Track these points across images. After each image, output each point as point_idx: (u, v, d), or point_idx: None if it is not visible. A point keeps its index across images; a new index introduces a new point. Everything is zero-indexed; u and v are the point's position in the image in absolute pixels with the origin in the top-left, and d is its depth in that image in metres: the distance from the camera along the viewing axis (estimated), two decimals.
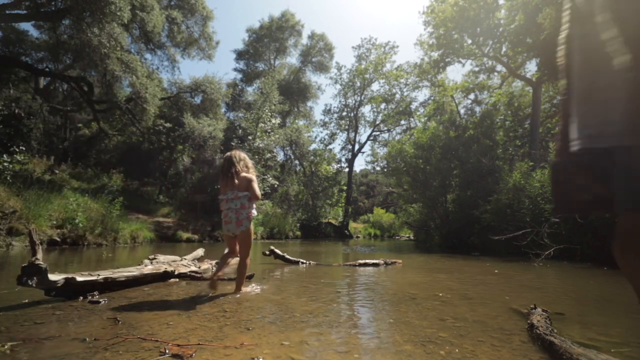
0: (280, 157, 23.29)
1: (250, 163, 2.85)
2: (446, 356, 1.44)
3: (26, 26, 15.90)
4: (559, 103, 1.08)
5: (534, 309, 2.05)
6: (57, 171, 13.64)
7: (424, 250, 9.93)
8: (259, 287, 2.97)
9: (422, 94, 28.98)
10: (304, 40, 28.14)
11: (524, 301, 2.59)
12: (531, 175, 8.03)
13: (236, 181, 2.66)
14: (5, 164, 7.53)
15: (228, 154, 2.83)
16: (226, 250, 2.90)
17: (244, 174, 2.70)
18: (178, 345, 1.47)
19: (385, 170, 26.86)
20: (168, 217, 14.13)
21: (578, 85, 0.94)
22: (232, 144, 15.67)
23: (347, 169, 27.72)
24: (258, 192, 2.70)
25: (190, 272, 3.57)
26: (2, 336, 1.59)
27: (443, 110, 15.05)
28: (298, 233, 18.54)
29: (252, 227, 2.73)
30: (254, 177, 2.71)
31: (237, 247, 2.77)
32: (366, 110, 56.92)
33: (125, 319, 1.89)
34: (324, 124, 28.34)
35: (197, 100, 18.60)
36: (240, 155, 2.81)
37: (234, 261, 4.53)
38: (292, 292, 2.88)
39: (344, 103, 27.84)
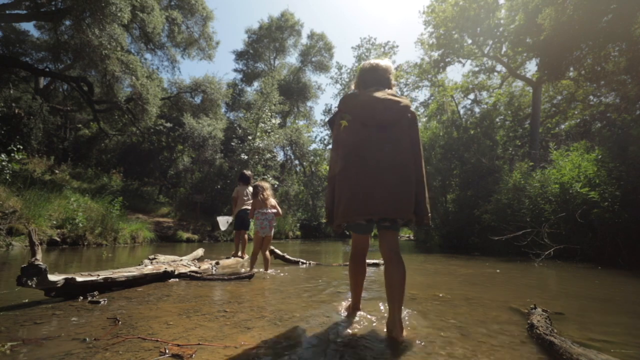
0: (280, 157, 23.29)
1: (272, 191, 4.36)
2: (446, 356, 1.44)
3: (26, 26, 15.93)
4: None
5: (534, 309, 2.05)
6: (57, 171, 13.64)
7: (424, 250, 9.93)
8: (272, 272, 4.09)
9: (422, 94, 29.01)
10: (304, 40, 28.19)
11: (524, 301, 2.59)
12: (531, 175, 8.03)
13: (267, 203, 4.12)
14: (4, 163, 7.53)
15: (257, 184, 4.23)
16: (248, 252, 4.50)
17: (271, 198, 4.20)
18: (178, 345, 1.47)
19: None
20: (168, 217, 14.14)
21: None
22: (232, 144, 15.68)
23: None
24: (281, 211, 4.33)
25: (190, 272, 3.56)
26: (2, 336, 1.59)
27: (443, 110, 15.05)
28: (298, 233, 18.55)
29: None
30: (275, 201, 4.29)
31: (263, 245, 4.23)
32: None
33: (125, 319, 1.89)
34: (324, 124, 28.36)
35: (197, 100, 18.62)
36: (266, 185, 4.28)
37: (231, 261, 4.72)
38: (292, 292, 2.88)
39: None
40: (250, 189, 5.52)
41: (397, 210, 1.65)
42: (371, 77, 1.90)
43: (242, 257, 5.46)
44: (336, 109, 1.90)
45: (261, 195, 4.12)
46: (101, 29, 9.82)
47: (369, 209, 1.65)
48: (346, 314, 2.08)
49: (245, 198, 5.44)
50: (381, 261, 5.13)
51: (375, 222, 1.78)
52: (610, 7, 7.03)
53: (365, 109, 1.74)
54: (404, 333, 1.66)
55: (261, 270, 4.13)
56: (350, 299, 2.13)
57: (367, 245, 1.95)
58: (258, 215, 4.12)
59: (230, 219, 5.85)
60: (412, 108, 1.79)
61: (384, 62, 1.96)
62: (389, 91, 1.84)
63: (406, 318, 2.02)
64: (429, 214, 1.79)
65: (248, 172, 5.78)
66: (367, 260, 5.17)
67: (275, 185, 15.83)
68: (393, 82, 1.92)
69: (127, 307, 2.19)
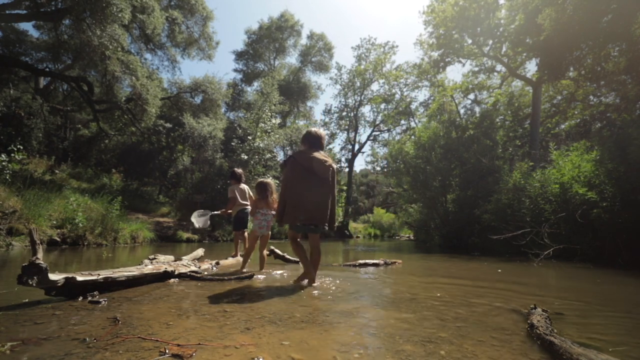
0: (280, 157, 23.26)
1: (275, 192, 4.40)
2: (446, 356, 1.44)
3: (26, 26, 15.92)
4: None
5: (534, 309, 2.05)
6: (57, 171, 13.65)
7: (424, 250, 9.93)
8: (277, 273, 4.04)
9: (422, 94, 29.05)
10: (304, 40, 28.19)
11: (524, 301, 2.59)
12: (531, 175, 8.03)
13: (272, 205, 4.18)
14: (4, 163, 7.52)
15: (266, 182, 4.24)
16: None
17: (274, 196, 4.23)
18: (178, 345, 1.47)
19: (385, 170, 26.86)
20: (168, 217, 14.14)
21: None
22: (232, 144, 15.68)
23: (347, 169, 27.73)
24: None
25: (190, 272, 3.56)
26: (2, 336, 1.59)
27: (443, 110, 15.06)
28: None
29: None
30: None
31: (259, 243, 4.39)
32: (366, 110, 56.93)
33: (125, 319, 1.89)
34: (324, 124, 28.35)
35: (197, 100, 18.61)
36: (273, 184, 4.35)
37: (231, 261, 4.71)
38: (292, 292, 2.88)
39: (344, 103, 27.87)
40: (244, 186, 5.51)
41: (321, 219, 3.12)
42: (316, 142, 3.23)
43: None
44: (290, 156, 3.18)
45: (271, 198, 4.15)
46: (102, 29, 9.81)
47: (309, 218, 3.08)
48: (305, 280, 3.27)
49: (240, 196, 5.40)
50: (381, 261, 5.16)
51: (306, 227, 3.14)
52: (610, 7, 7.03)
53: (311, 163, 3.04)
54: (316, 284, 3.18)
55: (260, 275, 4.02)
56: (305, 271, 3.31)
57: (298, 236, 3.34)
58: (258, 214, 4.14)
59: (208, 212, 5.65)
60: (335, 165, 3.22)
61: (323, 132, 3.31)
62: (323, 153, 3.18)
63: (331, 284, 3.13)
64: (335, 223, 3.25)
65: (239, 170, 5.74)
66: (367, 260, 5.28)
67: (276, 185, 15.84)
68: (325, 145, 3.29)
69: (127, 307, 2.19)
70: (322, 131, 3.29)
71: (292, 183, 3.06)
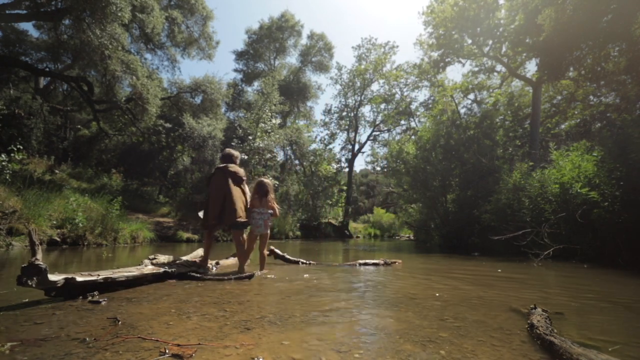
0: (280, 157, 23.27)
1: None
2: (446, 356, 1.44)
3: (26, 26, 15.91)
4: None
5: (534, 309, 2.05)
6: (57, 171, 13.64)
7: (424, 250, 9.93)
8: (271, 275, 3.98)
9: (422, 94, 29.04)
10: (304, 40, 28.14)
11: (524, 301, 2.59)
12: (531, 175, 8.03)
13: (268, 204, 4.16)
14: (4, 163, 7.52)
15: (263, 180, 4.19)
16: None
17: (271, 198, 4.23)
18: (178, 345, 1.47)
19: (385, 170, 26.85)
20: (168, 217, 14.13)
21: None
22: (232, 143, 15.67)
23: (347, 169, 27.71)
24: (279, 212, 4.39)
25: (190, 272, 3.56)
26: (2, 336, 1.59)
27: (443, 110, 15.07)
28: (298, 233, 18.53)
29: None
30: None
31: (260, 243, 4.29)
32: (366, 110, 57.08)
33: (125, 319, 1.89)
34: (324, 124, 28.33)
35: (197, 100, 18.59)
36: (271, 184, 4.27)
37: (231, 261, 4.71)
38: (292, 292, 2.88)
39: (344, 103, 27.84)
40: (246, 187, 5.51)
41: None
42: (231, 158, 4.24)
43: None
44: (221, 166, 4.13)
45: (268, 197, 4.13)
46: (102, 29, 9.81)
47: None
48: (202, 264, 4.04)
49: None
50: (381, 261, 5.17)
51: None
52: (610, 7, 7.03)
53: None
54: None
55: (259, 272, 4.07)
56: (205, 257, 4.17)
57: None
58: (254, 213, 4.12)
59: None
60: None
61: (236, 152, 4.32)
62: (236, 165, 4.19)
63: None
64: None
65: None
66: (367, 260, 5.28)
67: (276, 185, 15.84)
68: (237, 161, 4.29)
69: (127, 307, 2.19)
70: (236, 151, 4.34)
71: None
